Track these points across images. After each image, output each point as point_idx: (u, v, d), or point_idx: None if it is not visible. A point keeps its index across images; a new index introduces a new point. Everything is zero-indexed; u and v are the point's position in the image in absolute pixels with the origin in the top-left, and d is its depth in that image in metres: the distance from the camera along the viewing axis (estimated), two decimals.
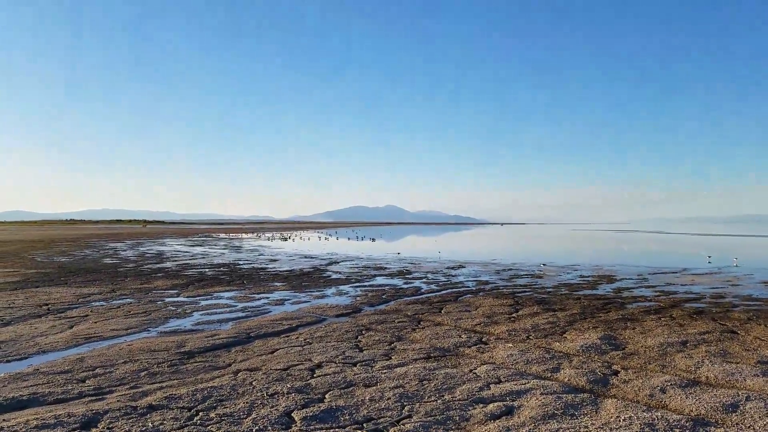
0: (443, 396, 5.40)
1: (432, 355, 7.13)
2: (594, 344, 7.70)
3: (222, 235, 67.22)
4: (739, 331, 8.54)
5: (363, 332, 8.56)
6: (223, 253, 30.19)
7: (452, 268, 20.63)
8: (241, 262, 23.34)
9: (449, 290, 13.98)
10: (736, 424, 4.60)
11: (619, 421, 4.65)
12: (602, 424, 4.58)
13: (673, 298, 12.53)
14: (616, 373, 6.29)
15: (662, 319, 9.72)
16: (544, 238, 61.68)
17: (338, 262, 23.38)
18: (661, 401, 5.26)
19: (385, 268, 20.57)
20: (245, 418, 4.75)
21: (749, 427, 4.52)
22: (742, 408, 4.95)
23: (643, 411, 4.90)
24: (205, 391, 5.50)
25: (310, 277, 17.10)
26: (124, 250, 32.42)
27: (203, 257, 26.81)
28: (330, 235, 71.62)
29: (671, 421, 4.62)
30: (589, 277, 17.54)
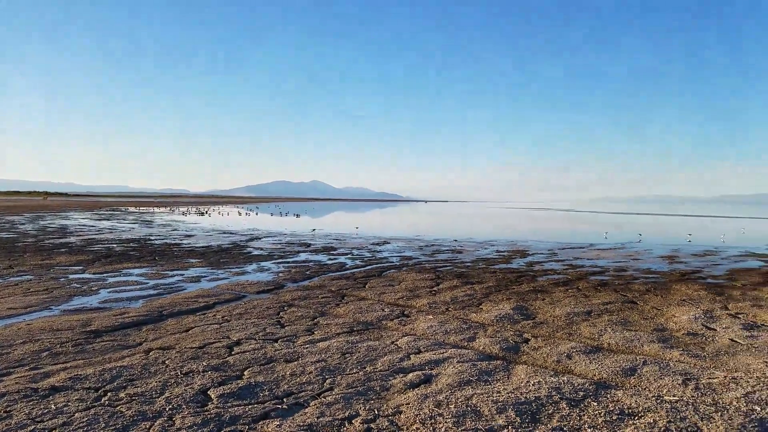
0: (365, 368, 5.47)
1: (355, 329, 7.18)
2: (507, 314, 8.08)
3: (132, 209, 63.65)
4: (638, 302, 9.25)
5: (285, 308, 8.45)
6: (133, 228, 28.64)
7: (377, 244, 20.81)
8: (152, 238, 22.25)
9: (374, 266, 14.11)
10: (634, 386, 5.00)
11: (529, 385, 4.92)
12: (513, 389, 4.83)
13: (580, 271, 13.37)
14: (527, 341, 6.64)
15: (569, 290, 10.36)
16: (467, 215, 63.63)
17: (260, 238, 22.88)
18: (567, 366, 5.62)
19: (310, 244, 20.40)
20: (158, 398, 4.56)
21: (645, 388, 4.92)
22: (639, 371, 5.39)
23: (551, 376, 5.22)
24: (114, 371, 5.22)
25: (229, 254, 16.62)
26: (23, 224, 29.91)
27: (111, 232, 25.29)
28: (251, 210, 69.68)
29: (576, 384, 4.95)
30: (504, 252, 18.32)
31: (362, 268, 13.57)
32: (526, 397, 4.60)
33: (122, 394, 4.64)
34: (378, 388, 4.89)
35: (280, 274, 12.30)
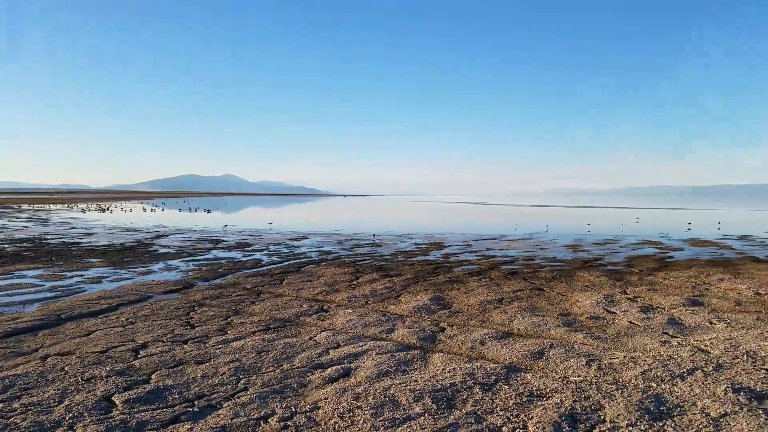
0: (281, 365, 5.34)
1: (272, 326, 7.00)
2: (425, 305, 8.22)
3: (25, 207, 58.53)
4: (545, 289, 9.75)
5: (195, 308, 8.09)
6: (26, 227, 26.33)
7: (295, 239, 20.50)
8: (48, 237, 20.56)
9: (291, 261, 13.86)
10: (542, 369, 5.24)
11: (445, 372, 5.02)
12: (430, 377, 4.90)
13: (492, 261, 13.90)
14: (443, 330, 6.79)
15: (483, 280, 10.73)
16: (387, 210, 64.30)
17: (167, 235, 21.80)
18: (480, 352, 5.80)
19: (222, 240, 19.70)
20: (56, 406, 4.20)
21: (552, 370, 5.17)
22: (546, 354, 5.66)
23: (465, 362, 5.36)
24: (7, 380, 4.76)
25: (134, 252, 15.70)
26: None
27: (1, 231, 23.09)
28: (157, 206, 65.93)
29: (488, 369, 5.11)
30: (422, 244, 18.69)
31: (279, 264, 13.29)
32: (441, 384, 4.69)
33: (16, 405, 4.23)
34: (295, 385, 4.79)
35: (190, 273, 11.77)
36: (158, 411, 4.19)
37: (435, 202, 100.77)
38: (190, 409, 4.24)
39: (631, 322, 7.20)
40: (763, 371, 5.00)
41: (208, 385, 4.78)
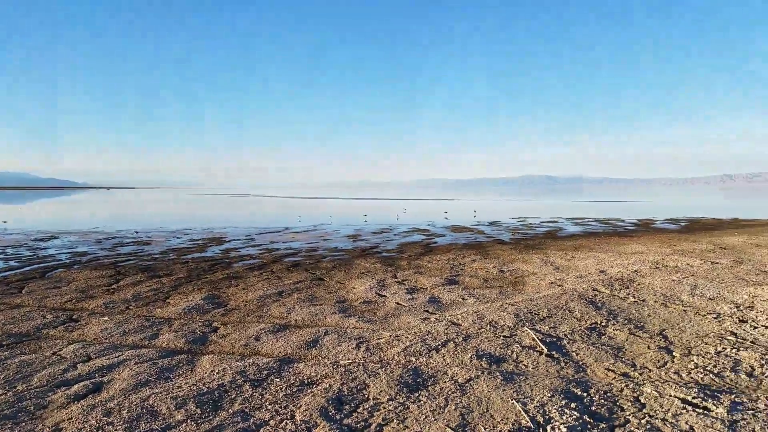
0: (15, 387, 4.48)
1: (4, 343, 5.82)
2: (197, 305, 7.70)
3: None
4: (325, 278, 9.96)
5: None
6: None
7: (41, 240, 17.53)
8: None
9: (35, 266, 11.78)
10: (315, 356, 5.28)
11: (213, 374, 4.72)
12: (196, 381, 4.56)
13: (275, 254, 13.78)
14: (215, 329, 6.42)
15: (264, 274, 10.53)
16: (161, 203, 59.23)
17: None
18: (254, 349, 5.61)
19: None
20: None
21: (324, 357, 5.24)
22: (320, 342, 5.73)
23: (237, 361, 5.12)
24: None
25: None
26: None
27: None
28: None
29: (261, 364, 4.97)
30: (199, 240, 17.63)
31: (18, 270, 11.19)
32: (208, 387, 4.39)
33: None
34: (33, 408, 4.05)
35: None
36: None
37: (217, 195, 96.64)
38: None
39: (398, 303, 7.75)
40: (501, 338, 5.79)
41: None
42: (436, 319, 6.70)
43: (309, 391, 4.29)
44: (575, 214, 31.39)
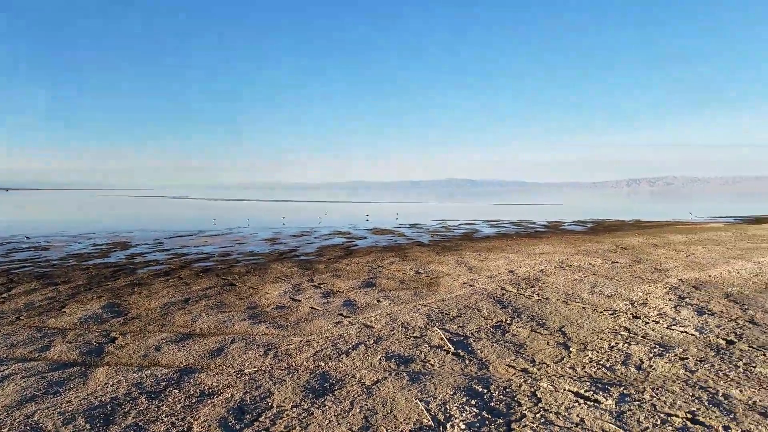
0: None
1: None
2: (95, 314, 7.22)
3: None
4: (237, 283, 9.66)
5: None
6: None
7: None
8: None
9: None
10: (219, 366, 5.09)
11: (107, 387, 4.44)
12: (88, 395, 4.27)
13: (185, 259, 13.22)
14: (113, 340, 6.05)
15: (171, 280, 10.06)
16: (64, 205, 55.18)
17: None
18: (154, 359, 5.33)
19: None
20: None
21: (229, 366, 5.07)
22: (226, 351, 5.54)
23: (134, 372, 4.84)
24: None
25: None
26: None
27: None
28: None
29: (159, 375, 4.72)
30: (103, 245, 16.59)
31: None
32: (101, 401, 4.12)
33: None
34: None
35: None
36: None
37: (126, 197, 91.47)
38: None
39: (312, 307, 7.66)
40: (412, 338, 5.87)
41: None
42: (350, 322, 6.69)
43: (209, 401, 4.13)
44: (491, 217, 32.59)
